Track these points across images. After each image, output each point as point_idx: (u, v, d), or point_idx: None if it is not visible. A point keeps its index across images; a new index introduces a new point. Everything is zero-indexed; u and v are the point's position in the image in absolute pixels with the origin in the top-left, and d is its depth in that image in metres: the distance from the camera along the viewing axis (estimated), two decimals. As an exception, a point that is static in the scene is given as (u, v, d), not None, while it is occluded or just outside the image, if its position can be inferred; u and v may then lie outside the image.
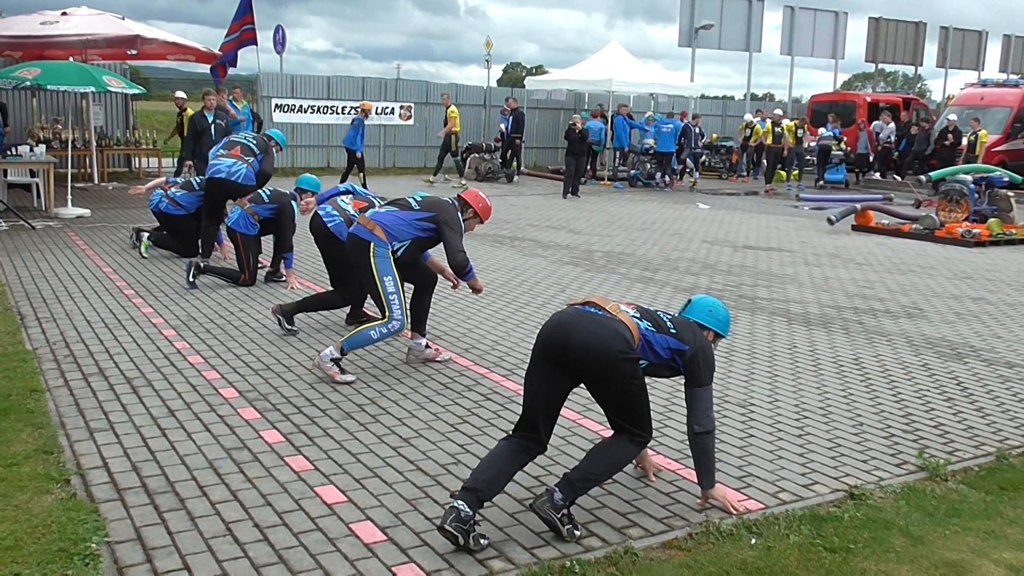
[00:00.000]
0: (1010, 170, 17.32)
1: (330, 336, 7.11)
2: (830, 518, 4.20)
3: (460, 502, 3.73)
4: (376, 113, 23.47)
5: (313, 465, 4.54)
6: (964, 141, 22.82)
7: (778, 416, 5.64)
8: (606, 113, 23.19)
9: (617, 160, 23.64)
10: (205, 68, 18.53)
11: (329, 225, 7.25)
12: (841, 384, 6.37)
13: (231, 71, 18.59)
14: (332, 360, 5.95)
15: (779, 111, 24.01)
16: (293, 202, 8.90)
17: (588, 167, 22.56)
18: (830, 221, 14.82)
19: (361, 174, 17.75)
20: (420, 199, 6.17)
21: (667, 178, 22.42)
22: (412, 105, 24.37)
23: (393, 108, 24.00)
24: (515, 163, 22.57)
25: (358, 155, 17.74)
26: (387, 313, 5.97)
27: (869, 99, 28.80)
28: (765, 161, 23.14)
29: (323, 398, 5.61)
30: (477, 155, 22.48)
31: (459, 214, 6.05)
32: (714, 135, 27.26)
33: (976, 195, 14.85)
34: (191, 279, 8.68)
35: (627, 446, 4.06)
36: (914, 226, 14.61)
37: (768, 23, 62.78)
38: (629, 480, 4.56)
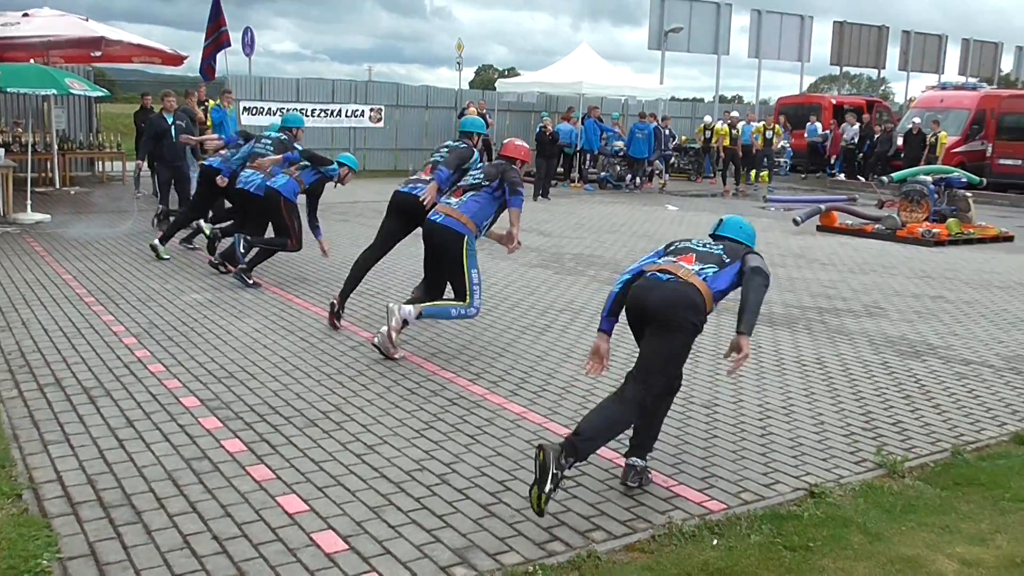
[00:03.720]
0: (968, 171, 17.50)
1: (298, 342, 7.04)
2: (790, 517, 4.21)
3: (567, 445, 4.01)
4: (346, 115, 23.36)
5: (275, 474, 4.49)
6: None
7: (742, 416, 5.65)
8: (573, 116, 23.21)
9: (588, 162, 23.67)
10: (173, 70, 18.39)
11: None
12: (804, 383, 6.40)
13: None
14: (403, 322, 6.39)
15: (735, 113, 24.15)
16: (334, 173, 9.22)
17: (562, 169, 22.59)
18: (796, 222, 14.91)
19: None
20: (478, 168, 6.87)
21: (637, 180, 22.48)
22: (383, 108, 24.27)
23: (363, 111, 23.89)
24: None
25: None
26: (468, 299, 6.57)
27: (834, 101, 29.08)
28: (732, 163, 23.24)
29: (287, 405, 5.55)
30: None
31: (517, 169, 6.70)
32: (683, 137, 27.36)
33: (936, 195, 14.99)
34: (243, 251, 9.00)
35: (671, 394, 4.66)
36: (876, 226, 14.72)
37: (736, 26, 63.14)
38: (593, 483, 4.55)
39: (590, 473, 4.63)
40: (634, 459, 4.51)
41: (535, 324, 7.95)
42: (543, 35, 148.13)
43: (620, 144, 22.85)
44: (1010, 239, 14.58)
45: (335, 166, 9.23)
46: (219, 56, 18.92)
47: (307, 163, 9.23)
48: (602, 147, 22.96)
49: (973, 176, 15.92)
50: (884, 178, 18.00)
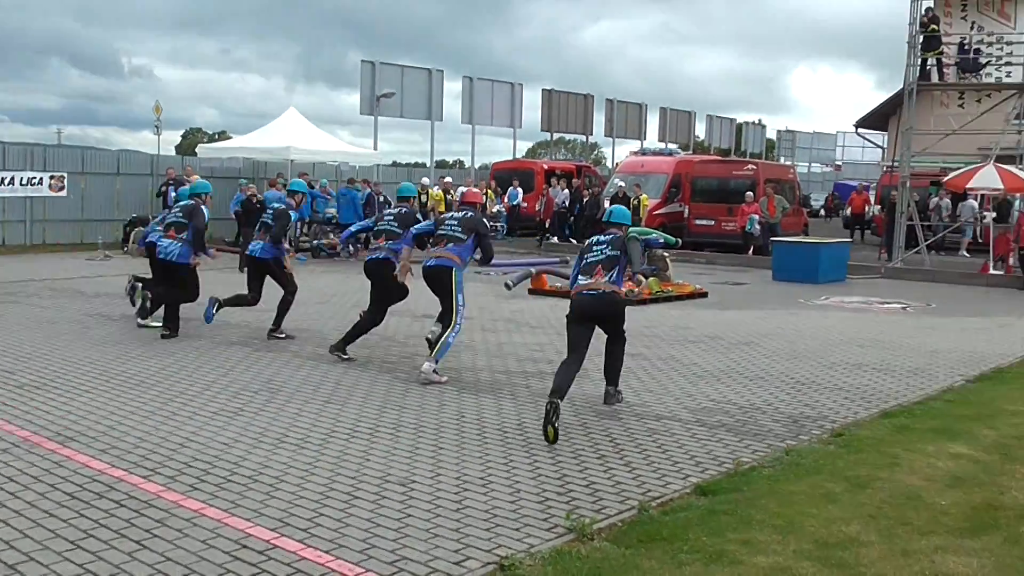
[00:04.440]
0: (669, 231, 19.03)
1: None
2: (478, 595, 4.23)
3: (556, 398, 6.81)
4: (21, 184, 21.63)
5: None
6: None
7: (438, 491, 5.67)
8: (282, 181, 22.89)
9: (299, 230, 23.37)
10: None
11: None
12: (504, 451, 6.55)
13: None
14: (434, 371, 8.68)
15: (449, 178, 24.95)
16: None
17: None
18: (507, 286, 15.44)
19: None
20: (456, 223, 9.14)
21: (351, 248, 22.45)
22: (66, 175, 22.71)
23: (42, 178, 22.21)
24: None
25: None
26: (454, 318, 8.81)
27: (546, 166, 30.78)
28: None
29: (-88, 524, 4.90)
30: (143, 228, 21.30)
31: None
32: (398, 203, 27.73)
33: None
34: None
35: (623, 344, 8.12)
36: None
37: (450, 92, 65.61)
38: (270, 580, 4.34)
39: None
40: (610, 387, 8.03)
41: (226, 408, 7.61)
42: (255, 97, 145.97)
43: (332, 211, 22.79)
44: (704, 295, 15.95)
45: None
46: None
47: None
48: (312, 214, 22.77)
49: (670, 237, 17.24)
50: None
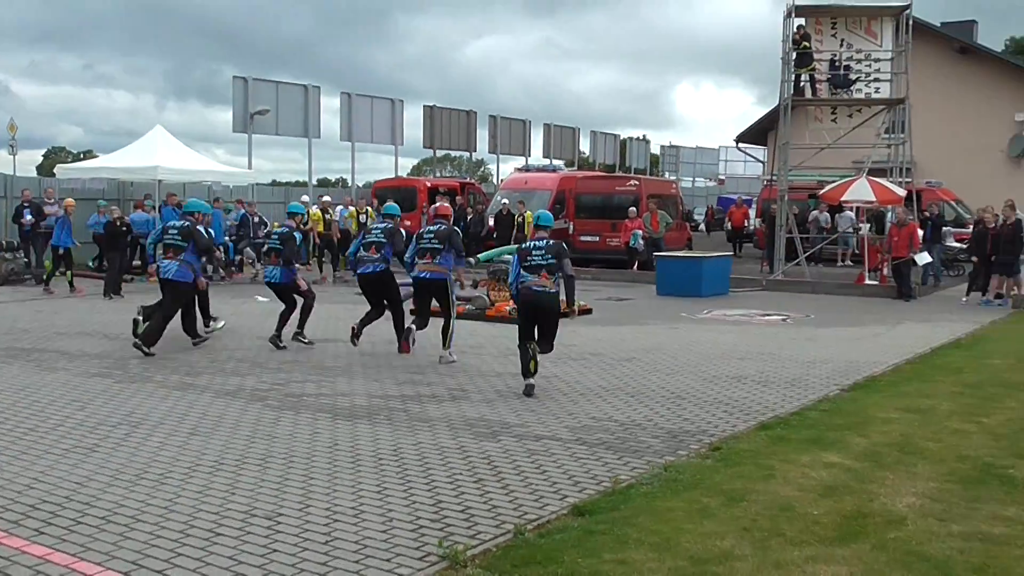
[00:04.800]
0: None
1: None
2: (344, 631, 4.12)
3: (531, 379, 9.26)
4: None
5: None
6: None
7: (307, 524, 5.53)
8: (148, 203, 22.26)
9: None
10: None
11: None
12: (377, 480, 6.44)
13: None
14: (449, 354, 11.14)
15: (327, 198, 24.65)
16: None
17: (140, 262, 21.44)
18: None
19: (68, 272, 18.73)
20: (433, 235, 11.26)
21: (221, 272, 21.95)
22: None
23: None
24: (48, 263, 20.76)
25: (61, 251, 18.64)
26: (452, 314, 11.34)
27: (429, 184, 30.66)
28: (327, 249, 23.53)
29: None
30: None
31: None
32: (275, 223, 27.21)
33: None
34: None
35: (550, 349, 9.75)
36: (468, 306, 15.57)
37: (329, 108, 65.04)
38: None
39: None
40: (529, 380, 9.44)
41: (81, 444, 7.28)
42: (123, 115, 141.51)
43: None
44: (588, 312, 16.12)
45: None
46: None
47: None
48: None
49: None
50: (471, 259, 19.19)
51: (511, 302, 15.30)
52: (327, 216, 22.96)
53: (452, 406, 8.81)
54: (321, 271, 22.88)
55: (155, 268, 12.39)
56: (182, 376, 10.19)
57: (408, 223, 27.60)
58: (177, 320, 12.17)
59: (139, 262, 21.90)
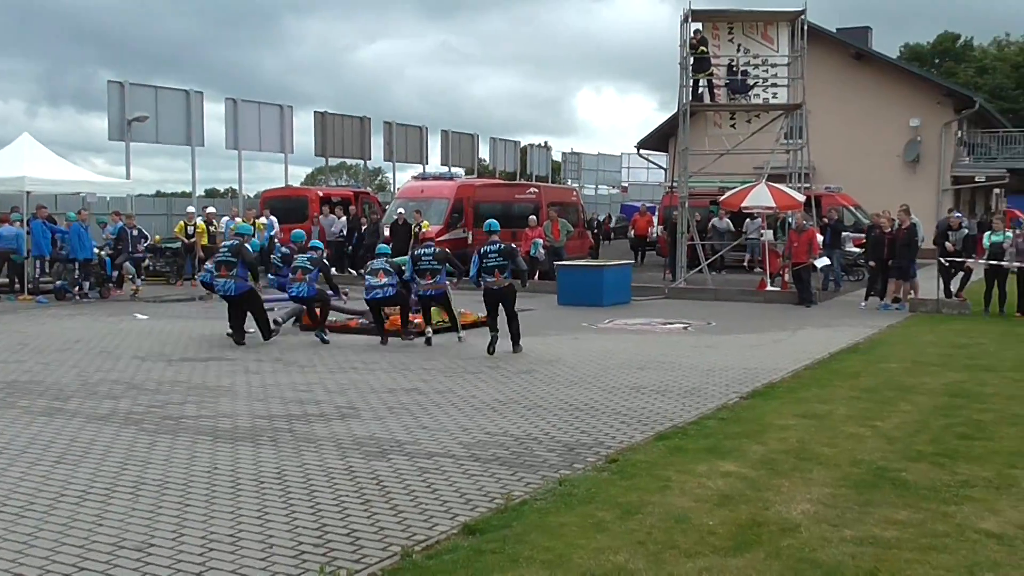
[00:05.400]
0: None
1: None
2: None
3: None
4: None
5: None
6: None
7: (180, 553, 5.38)
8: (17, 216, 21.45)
9: (38, 270, 21.94)
10: None
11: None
12: (258, 504, 6.30)
13: None
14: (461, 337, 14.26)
15: (212, 208, 24.17)
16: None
17: (7, 280, 20.65)
18: (276, 323, 15.08)
19: None
20: (431, 257, 14.16)
21: (98, 289, 21.31)
22: None
23: None
24: None
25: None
26: (457, 320, 14.68)
27: (321, 193, 30.31)
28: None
29: None
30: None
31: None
32: (157, 236, 26.57)
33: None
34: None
35: (516, 318, 13.46)
36: (361, 320, 15.42)
37: (215, 115, 63.76)
38: None
39: None
40: (514, 343, 13.21)
41: (-68, 477, 6.94)
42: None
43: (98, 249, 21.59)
44: (485, 323, 16.11)
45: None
46: None
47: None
48: (55, 252, 21.39)
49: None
50: (363, 271, 19.01)
51: (417, 315, 15.38)
52: (211, 228, 22.46)
53: (340, 424, 8.69)
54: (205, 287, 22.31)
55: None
56: (50, 400, 9.82)
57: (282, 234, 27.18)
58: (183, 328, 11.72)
59: (7, 280, 21.13)
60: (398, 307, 14.73)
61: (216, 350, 13.50)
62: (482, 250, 13.35)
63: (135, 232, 22.41)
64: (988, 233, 18.87)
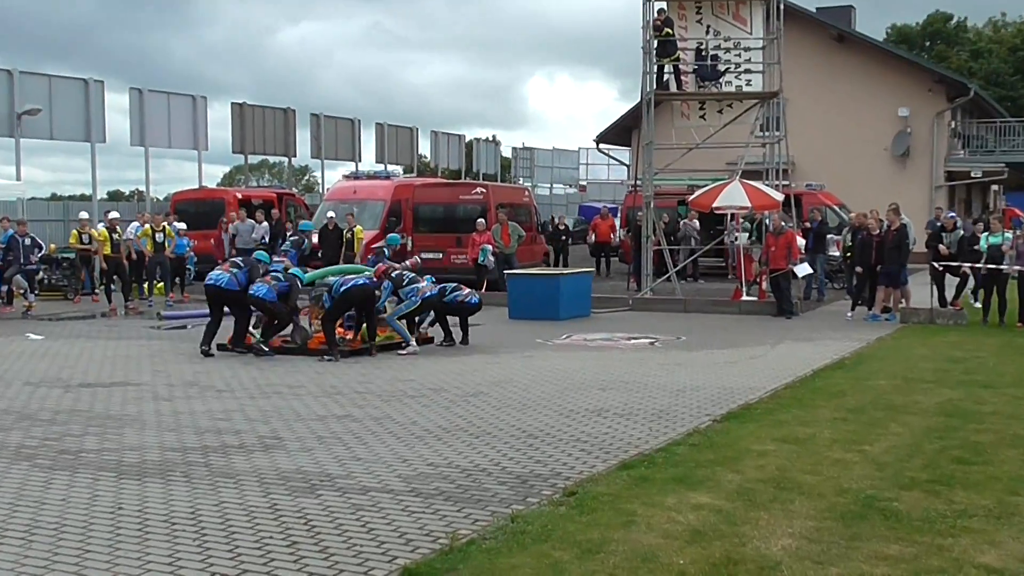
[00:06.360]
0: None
1: None
2: None
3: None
4: None
5: None
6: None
7: (78, 608, 5.30)
8: None
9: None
10: None
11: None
12: (168, 548, 6.25)
13: None
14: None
15: (115, 213, 23.88)
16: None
17: None
18: (160, 315, 15.02)
19: None
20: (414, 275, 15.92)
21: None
22: None
23: None
24: None
25: None
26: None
27: (240, 195, 30.14)
28: (117, 275, 22.77)
29: None
30: None
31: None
32: (52, 245, 26.17)
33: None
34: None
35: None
36: (287, 338, 15.32)
37: (118, 107, 63.07)
38: None
39: None
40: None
41: None
42: None
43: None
44: (429, 340, 16.15)
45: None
46: None
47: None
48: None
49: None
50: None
51: (339, 330, 15.32)
52: (115, 236, 22.20)
53: (263, 457, 8.64)
54: (109, 301, 22.09)
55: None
56: (-76, 435, 9.65)
57: (193, 243, 26.85)
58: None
59: None
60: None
61: (121, 374, 13.36)
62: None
63: (27, 241, 22.06)
64: (985, 235, 19.16)
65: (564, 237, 32.94)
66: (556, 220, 34.97)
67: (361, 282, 14.98)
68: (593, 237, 32.86)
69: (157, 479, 7.96)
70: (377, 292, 15.25)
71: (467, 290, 16.40)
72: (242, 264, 15.57)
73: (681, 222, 28.16)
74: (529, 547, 6.15)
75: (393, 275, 15.59)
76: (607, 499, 7.20)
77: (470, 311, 16.27)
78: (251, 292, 14.96)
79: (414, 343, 15.39)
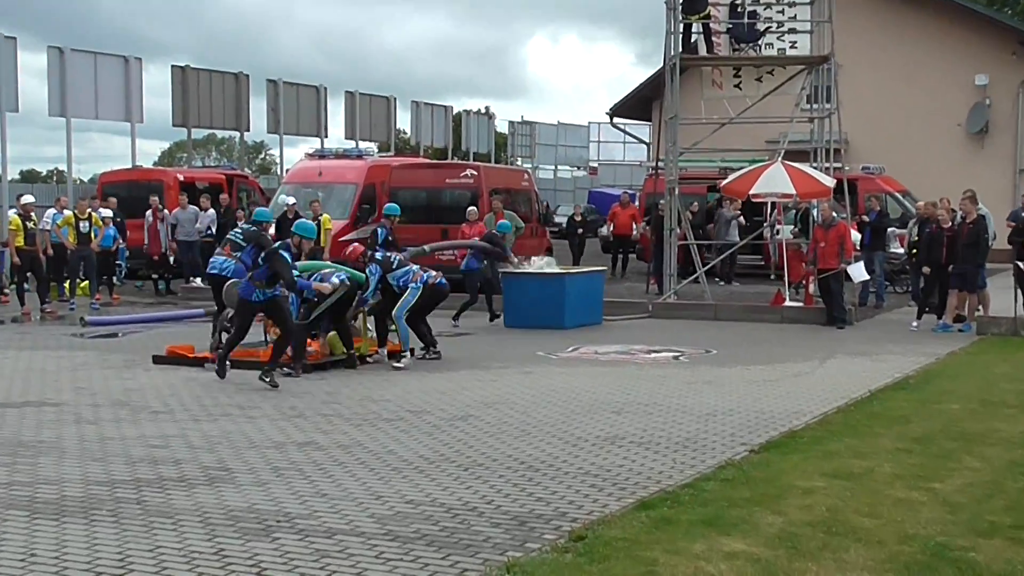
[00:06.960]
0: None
1: None
2: None
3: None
4: None
5: None
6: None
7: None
8: None
9: None
10: None
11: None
12: (93, 603, 6.23)
13: None
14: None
15: (30, 198, 23.84)
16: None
17: None
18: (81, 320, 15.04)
19: None
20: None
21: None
22: None
23: None
24: None
25: None
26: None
27: (183, 177, 30.13)
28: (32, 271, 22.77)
29: None
30: None
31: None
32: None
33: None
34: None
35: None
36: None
37: (34, 69, 63.04)
38: None
39: None
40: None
41: None
42: None
43: None
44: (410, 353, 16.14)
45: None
46: None
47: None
48: None
49: (359, 273, 17.35)
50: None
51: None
52: (29, 225, 22.17)
53: (209, 492, 8.64)
54: (22, 303, 22.08)
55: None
56: None
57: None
58: None
59: None
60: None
61: (36, 391, 13.37)
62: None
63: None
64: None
65: (581, 231, 32.68)
66: (573, 211, 34.62)
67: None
68: (610, 228, 32.55)
69: (79, 519, 7.95)
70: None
71: (433, 271, 16.16)
72: (243, 240, 15.60)
73: (721, 207, 27.93)
74: (528, 603, 6.14)
75: (378, 257, 15.49)
76: (622, 545, 7.18)
77: (441, 298, 16.15)
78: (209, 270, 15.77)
79: (409, 355, 15.38)
